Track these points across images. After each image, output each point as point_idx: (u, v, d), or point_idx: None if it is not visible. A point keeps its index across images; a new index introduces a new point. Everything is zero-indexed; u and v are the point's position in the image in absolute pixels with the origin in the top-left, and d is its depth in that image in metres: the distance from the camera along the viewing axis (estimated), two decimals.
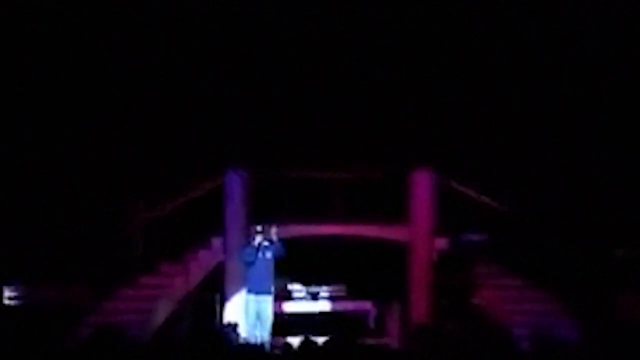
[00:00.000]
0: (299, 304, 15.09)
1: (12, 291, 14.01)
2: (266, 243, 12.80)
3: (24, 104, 14.04)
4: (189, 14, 14.19)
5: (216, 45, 14.00)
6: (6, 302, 13.97)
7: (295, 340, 10.34)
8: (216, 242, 14.03)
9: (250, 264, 12.80)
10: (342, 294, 15.33)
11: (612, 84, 13.97)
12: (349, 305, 15.19)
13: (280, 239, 13.03)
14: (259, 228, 12.89)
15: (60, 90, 13.96)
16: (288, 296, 15.01)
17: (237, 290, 13.54)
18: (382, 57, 14.19)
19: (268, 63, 14.07)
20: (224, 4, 14.12)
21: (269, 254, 12.80)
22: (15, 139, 14.05)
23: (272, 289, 13.05)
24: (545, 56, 14.09)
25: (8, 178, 13.91)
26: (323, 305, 15.20)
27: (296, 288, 15.23)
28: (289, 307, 14.82)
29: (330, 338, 8.89)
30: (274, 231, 13.18)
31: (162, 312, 13.43)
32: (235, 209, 13.86)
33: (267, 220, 13.17)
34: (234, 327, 12.71)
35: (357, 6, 13.95)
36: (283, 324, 13.80)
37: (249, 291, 12.89)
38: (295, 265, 13.93)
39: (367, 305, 15.12)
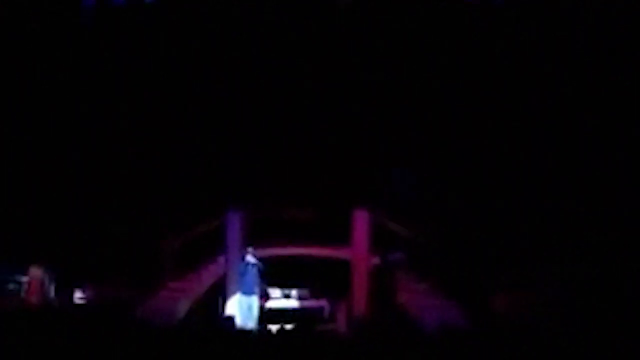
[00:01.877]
0: (276, 302, 16.05)
1: (81, 293, 15.21)
2: (253, 260, 14.12)
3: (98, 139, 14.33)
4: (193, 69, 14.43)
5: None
6: (77, 301, 15.08)
7: (274, 327, 11.93)
8: (220, 259, 15.14)
9: (242, 274, 14.16)
10: (306, 294, 16.34)
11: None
12: (310, 303, 16.19)
13: (260, 258, 14.11)
14: (248, 250, 14.24)
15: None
16: (268, 296, 15.94)
17: (234, 292, 14.51)
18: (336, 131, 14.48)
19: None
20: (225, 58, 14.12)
21: (255, 268, 14.14)
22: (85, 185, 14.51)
23: (258, 291, 14.30)
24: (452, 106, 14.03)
25: (85, 218, 14.51)
26: (293, 303, 16.21)
27: (274, 291, 16.19)
28: (269, 304, 15.85)
29: (297, 325, 10.69)
30: (256, 252, 14.22)
31: (183, 307, 14.48)
32: (233, 237, 14.91)
33: (254, 245, 14.39)
34: (232, 318, 13.02)
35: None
36: (265, 316, 14.84)
37: (242, 293, 14.15)
38: (273, 275, 14.93)
39: (323, 302, 16.14)
